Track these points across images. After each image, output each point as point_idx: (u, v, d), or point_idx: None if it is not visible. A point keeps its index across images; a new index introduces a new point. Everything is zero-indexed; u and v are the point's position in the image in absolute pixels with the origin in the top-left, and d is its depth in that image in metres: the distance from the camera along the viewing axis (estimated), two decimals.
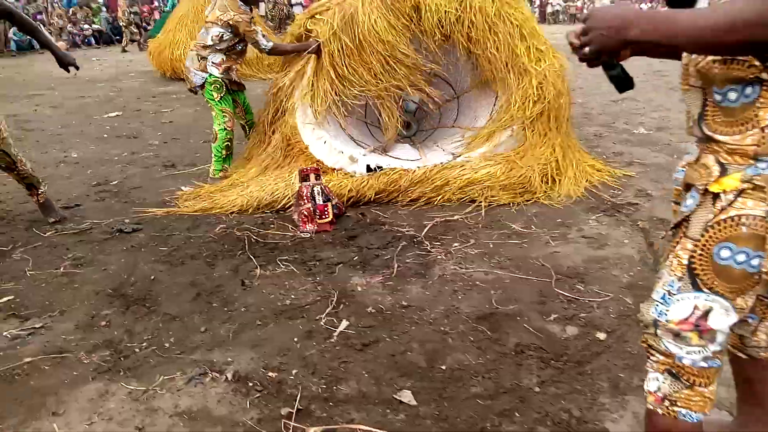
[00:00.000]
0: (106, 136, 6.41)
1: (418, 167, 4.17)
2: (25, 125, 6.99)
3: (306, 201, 3.65)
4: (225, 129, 4.40)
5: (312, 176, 3.74)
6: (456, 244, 3.37)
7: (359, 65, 4.29)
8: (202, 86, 4.31)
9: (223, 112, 4.38)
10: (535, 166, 4.16)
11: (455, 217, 3.77)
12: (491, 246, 3.34)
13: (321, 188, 3.69)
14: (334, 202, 3.73)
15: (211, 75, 4.27)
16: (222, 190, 4.30)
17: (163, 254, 3.33)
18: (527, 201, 4.03)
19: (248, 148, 4.75)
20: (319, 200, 3.66)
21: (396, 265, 3.10)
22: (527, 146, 4.26)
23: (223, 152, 4.46)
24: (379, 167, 4.20)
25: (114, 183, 4.70)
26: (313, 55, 4.23)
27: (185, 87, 4.68)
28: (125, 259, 3.28)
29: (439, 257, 3.21)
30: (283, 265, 3.16)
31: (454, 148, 4.68)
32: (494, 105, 4.71)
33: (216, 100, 4.33)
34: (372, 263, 3.16)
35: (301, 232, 3.60)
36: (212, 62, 4.25)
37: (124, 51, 17.05)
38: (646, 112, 7.22)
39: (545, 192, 4.12)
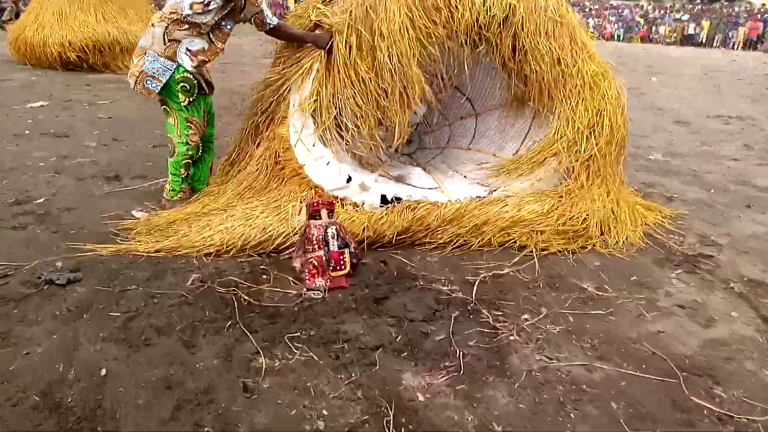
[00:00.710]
0: (27, 132, 5.14)
1: (450, 201, 3.28)
2: None
3: (316, 247, 2.70)
4: (187, 144, 3.33)
5: (324, 213, 2.78)
6: (525, 316, 2.51)
7: (371, 67, 3.35)
8: (164, 86, 3.14)
9: (188, 122, 3.28)
10: (590, 207, 3.37)
11: (505, 270, 2.92)
12: (571, 319, 2.51)
13: (336, 229, 2.74)
14: (353, 250, 2.79)
15: (180, 67, 3.13)
16: (187, 219, 3.26)
17: (116, 326, 2.30)
18: (582, 248, 3.23)
19: (222, 165, 3.71)
20: (334, 245, 2.72)
21: (458, 352, 2.21)
22: (579, 184, 3.46)
23: (182, 171, 3.42)
24: (397, 198, 3.29)
25: (39, 201, 3.55)
26: (323, 52, 3.26)
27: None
28: (59, 335, 2.22)
29: (511, 338, 2.34)
30: (296, 347, 2.20)
31: (477, 176, 3.84)
32: (528, 130, 3.90)
33: (183, 104, 3.21)
34: (423, 347, 2.25)
35: (308, 289, 2.64)
36: (187, 49, 3.12)
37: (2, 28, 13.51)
38: (647, 134, 6.66)
39: (600, 238, 3.33)
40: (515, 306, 2.60)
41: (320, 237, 2.70)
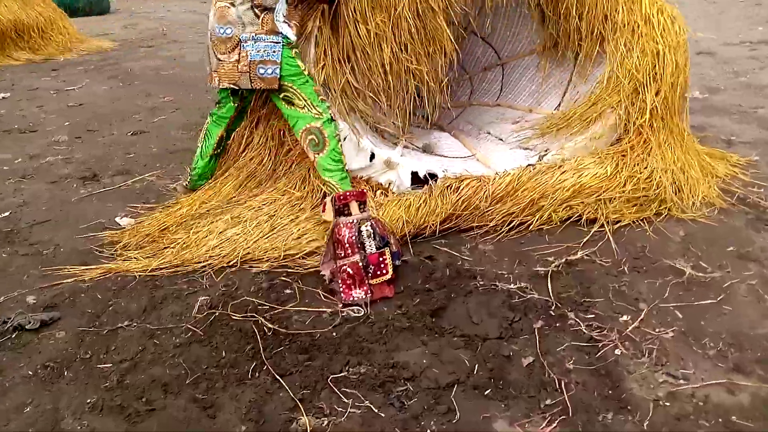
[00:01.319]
0: None
1: (497, 174, 2.72)
2: None
3: (349, 251, 2.15)
4: (332, 119, 2.55)
5: (354, 206, 2.22)
6: (624, 318, 1.99)
7: (387, 21, 2.73)
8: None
9: (315, 92, 2.52)
10: (659, 165, 2.82)
11: (578, 255, 2.39)
12: (679, 315, 2.00)
13: (372, 225, 2.19)
14: (394, 248, 2.25)
15: (285, 38, 2.47)
16: (183, 222, 2.70)
17: (107, 386, 1.77)
18: (657, 216, 2.70)
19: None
20: (371, 246, 2.17)
21: (558, 382, 1.69)
22: (642, 138, 2.90)
23: (343, 159, 2.56)
24: (431, 175, 2.73)
25: (4, 216, 2.97)
26: (325, 6, 2.63)
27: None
28: (33, 406, 1.69)
29: (617, 351, 1.82)
30: (345, 395, 1.68)
31: (515, 137, 3.27)
32: (569, 79, 3.31)
33: (305, 74, 2.51)
34: (510, 378, 1.74)
35: (345, 305, 2.11)
36: (284, 16, 2.46)
37: None
38: None
39: (674, 200, 2.79)
40: (606, 304, 2.07)
41: (353, 238, 2.16)
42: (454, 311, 2.05)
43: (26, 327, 2.02)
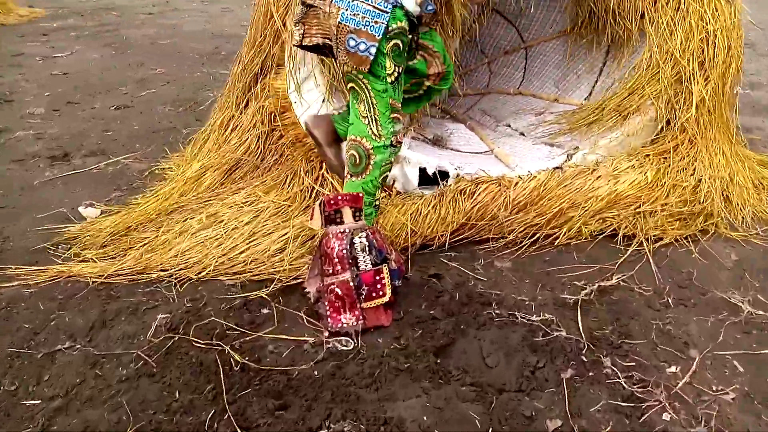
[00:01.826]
0: None
1: (519, 177, 2.33)
2: None
3: (339, 267, 1.78)
4: (392, 146, 1.93)
5: (348, 212, 1.85)
6: (671, 369, 1.62)
7: None
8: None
9: (392, 109, 1.90)
10: (707, 172, 2.43)
11: (613, 280, 2.01)
12: (740, 369, 1.63)
13: (367, 237, 1.82)
14: (393, 265, 1.87)
15: (397, 10, 1.77)
16: (157, 219, 2.35)
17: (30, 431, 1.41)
18: (702, 233, 2.31)
19: (203, 134, 2.77)
20: (365, 263, 1.80)
21: None
22: (686, 137, 2.50)
23: (379, 190, 2.02)
24: (441, 173, 2.34)
25: None
26: None
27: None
28: None
29: (665, 416, 1.45)
30: None
31: (539, 132, 2.87)
32: (602, 65, 2.91)
33: (388, 79, 1.83)
34: None
35: (330, 334, 1.75)
36: None
37: None
38: None
39: (723, 215, 2.40)
40: (649, 348, 1.70)
41: (344, 252, 1.78)
42: (464, 350, 1.68)
43: None
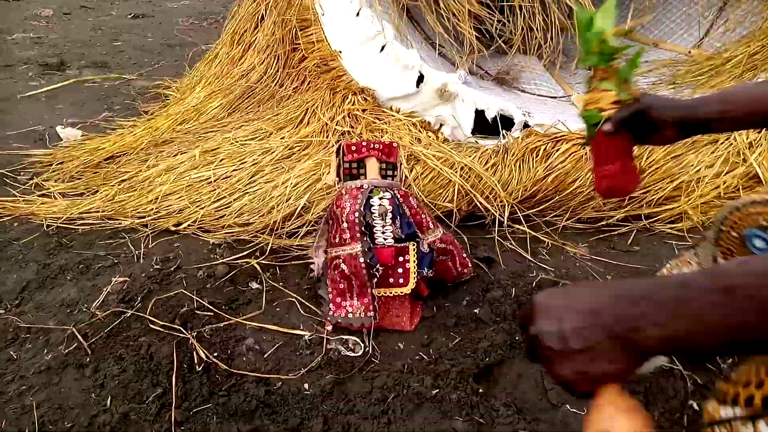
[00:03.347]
0: None
1: None
2: None
3: (348, 235, 1.28)
4: None
5: (373, 164, 1.33)
6: None
7: None
8: None
9: None
10: None
11: None
12: None
13: (393, 199, 1.30)
14: (425, 247, 1.35)
15: None
16: (143, 150, 1.89)
17: None
18: None
19: (209, 55, 2.27)
20: (385, 234, 1.29)
21: None
22: None
23: None
24: (504, 118, 1.78)
25: None
26: None
27: None
28: None
29: None
30: None
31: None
32: (722, 5, 2.25)
33: None
34: None
35: (332, 327, 1.26)
36: None
37: None
38: None
39: None
40: None
41: (355, 215, 1.28)
42: (519, 374, 1.18)
43: None
